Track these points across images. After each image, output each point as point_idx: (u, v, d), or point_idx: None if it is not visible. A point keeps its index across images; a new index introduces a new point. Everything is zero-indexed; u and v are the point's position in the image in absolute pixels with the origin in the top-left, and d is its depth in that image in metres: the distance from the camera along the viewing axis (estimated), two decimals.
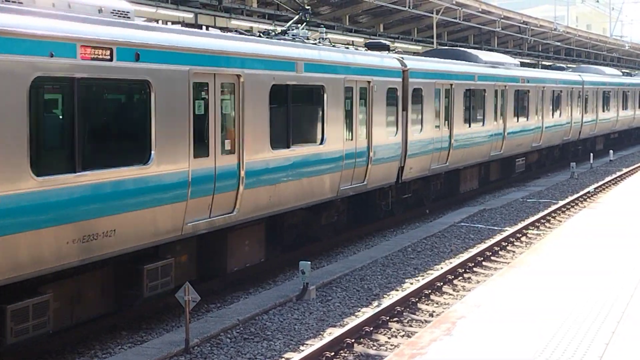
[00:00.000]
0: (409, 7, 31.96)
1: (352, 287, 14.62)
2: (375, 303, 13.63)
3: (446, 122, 22.68)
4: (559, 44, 53.86)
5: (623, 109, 46.53)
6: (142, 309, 12.73)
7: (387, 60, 19.57)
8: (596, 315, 10.26)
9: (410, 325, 12.42)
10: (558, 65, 43.34)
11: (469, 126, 24.18)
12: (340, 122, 16.65)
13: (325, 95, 16.09)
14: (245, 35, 14.85)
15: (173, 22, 22.95)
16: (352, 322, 11.91)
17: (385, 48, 21.03)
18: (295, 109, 15.10)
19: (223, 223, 13.04)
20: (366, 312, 12.83)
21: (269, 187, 14.18)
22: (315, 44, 16.75)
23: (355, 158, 17.32)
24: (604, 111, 42.03)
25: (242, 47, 13.51)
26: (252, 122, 13.64)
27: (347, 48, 19.74)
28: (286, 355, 11.05)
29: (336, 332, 11.48)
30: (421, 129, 20.91)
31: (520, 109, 29.24)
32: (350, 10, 32.75)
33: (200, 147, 12.41)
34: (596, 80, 41.12)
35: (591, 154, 38.20)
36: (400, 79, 19.65)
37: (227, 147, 13.13)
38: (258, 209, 13.98)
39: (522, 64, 42.44)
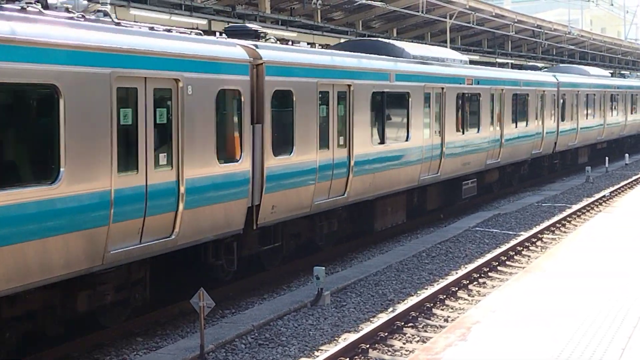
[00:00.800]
0: (422, 12, 31.96)
1: (367, 292, 14.60)
2: (390, 308, 13.61)
3: (341, 139, 16.60)
4: (573, 47, 53.69)
5: (611, 115, 40.36)
6: (157, 315, 12.76)
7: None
8: (612, 319, 10.20)
9: (425, 331, 12.39)
10: (532, 64, 37.72)
11: (383, 143, 18.24)
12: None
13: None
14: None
15: (188, 29, 23.05)
16: (366, 328, 11.89)
17: (251, 35, 15.08)
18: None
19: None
20: (381, 318, 12.81)
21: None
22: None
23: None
24: (587, 118, 36.03)
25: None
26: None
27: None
28: None
29: (351, 337, 11.47)
30: (291, 152, 14.93)
31: (468, 118, 23.28)
32: (363, 16, 32.79)
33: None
34: (576, 82, 34.86)
35: (607, 158, 38.02)
36: (246, 77, 13.53)
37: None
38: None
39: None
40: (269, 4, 26.24)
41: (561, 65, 43.03)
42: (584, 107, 35.50)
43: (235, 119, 13.26)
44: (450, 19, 34.66)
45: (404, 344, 11.72)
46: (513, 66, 39.10)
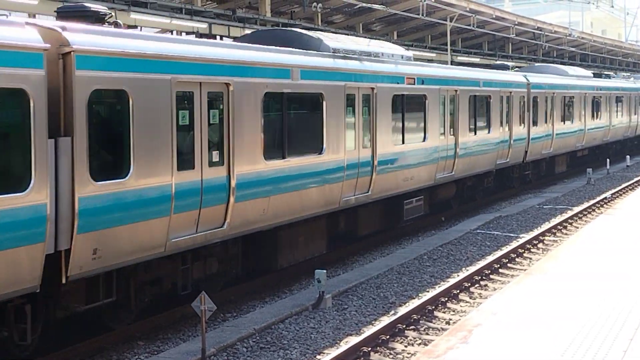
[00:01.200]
0: (423, 15, 31.98)
1: (368, 295, 14.60)
2: (392, 311, 13.61)
3: (216, 155, 12.75)
4: (573, 49, 53.71)
5: (593, 119, 36.60)
6: (159, 319, 12.76)
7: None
8: (614, 322, 10.20)
9: (427, 334, 12.39)
10: (500, 63, 33.53)
11: (283, 158, 14.38)
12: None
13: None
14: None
15: (188, 33, 23.08)
16: (368, 331, 11.89)
17: (90, 17, 11.52)
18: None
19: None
20: (382, 321, 12.81)
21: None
22: None
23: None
24: (564, 123, 32.41)
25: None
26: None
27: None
28: None
29: (352, 340, 11.47)
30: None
31: (410, 125, 19.49)
32: (364, 19, 32.84)
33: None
34: (551, 82, 31.03)
35: (607, 160, 38.01)
36: (39, 71, 9.77)
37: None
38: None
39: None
40: (269, 7, 26.28)
41: (537, 64, 38.84)
42: (560, 111, 31.87)
43: (20, 132, 9.42)
44: (451, 21, 34.69)
45: (405, 346, 11.72)
46: (482, 65, 35.93)
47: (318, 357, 11.29)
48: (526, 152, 28.33)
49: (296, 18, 28.90)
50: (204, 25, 23.43)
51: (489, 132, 24.54)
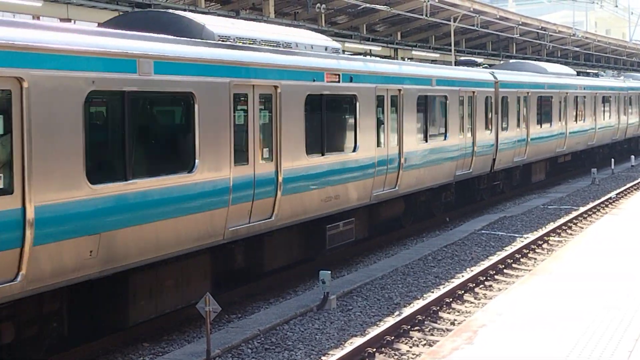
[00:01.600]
0: (426, 15, 31.96)
1: (373, 296, 14.60)
2: (396, 312, 13.61)
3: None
4: (578, 49, 53.66)
5: (576, 121, 33.20)
6: (163, 321, 12.76)
7: None
8: (619, 322, 10.18)
9: (432, 334, 12.38)
10: (466, 59, 30.16)
11: (122, 180, 10.70)
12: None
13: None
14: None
15: None
16: (373, 332, 11.88)
17: None
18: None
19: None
20: (387, 321, 12.80)
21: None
22: None
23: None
24: (540, 126, 28.92)
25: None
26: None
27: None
28: None
29: (357, 341, 11.46)
30: None
31: (335, 133, 16.11)
32: (367, 19, 32.83)
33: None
34: (523, 81, 27.58)
35: (612, 160, 37.94)
36: None
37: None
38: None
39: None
40: (273, 8, 26.30)
41: (512, 61, 35.90)
42: (536, 113, 28.49)
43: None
44: (455, 21, 34.67)
45: (410, 347, 11.71)
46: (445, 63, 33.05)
47: (323, 358, 11.29)
48: (494, 160, 24.87)
49: (300, 19, 28.91)
50: None
51: (445, 139, 21.11)
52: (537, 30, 44.42)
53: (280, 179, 13.97)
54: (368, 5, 29.01)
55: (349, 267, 17.32)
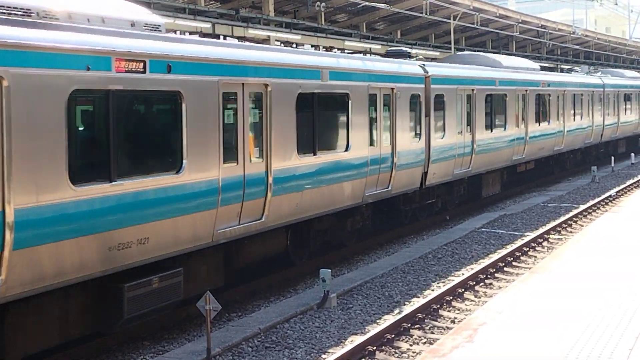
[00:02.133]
0: (426, 14, 31.95)
1: (373, 294, 14.60)
2: (397, 310, 13.61)
3: None
4: (577, 47, 53.65)
5: (539, 124, 28.70)
6: (164, 319, 12.77)
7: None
8: (619, 320, 10.19)
9: (432, 332, 12.39)
10: (398, 49, 22.49)
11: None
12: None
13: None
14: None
15: (191, 33, 23.09)
16: (373, 330, 11.89)
17: None
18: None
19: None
20: (387, 320, 12.80)
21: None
22: None
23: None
24: (491, 130, 24.24)
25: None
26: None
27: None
28: None
29: (357, 339, 11.47)
30: None
31: (137, 149, 11.38)
32: (367, 18, 32.82)
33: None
34: (467, 76, 22.73)
35: (612, 157, 37.92)
36: None
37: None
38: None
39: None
40: (272, 7, 26.29)
41: (459, 53, 31.44)
42: (484, 114, 23.63)
43: None
44: (454, 20, 34.66)
45: (410, 345, 11.72)
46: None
47: (323, 356, 11.30)
48: (425, 173, 20.06)
49: (300, 17, 28.91)
50: (208, 25, 23.43)
51: (346, 151, 16.19)
52: (537, 29, 44.41)
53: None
54: (368, 3, 29.00)
55: (349, 266, 17.32)
